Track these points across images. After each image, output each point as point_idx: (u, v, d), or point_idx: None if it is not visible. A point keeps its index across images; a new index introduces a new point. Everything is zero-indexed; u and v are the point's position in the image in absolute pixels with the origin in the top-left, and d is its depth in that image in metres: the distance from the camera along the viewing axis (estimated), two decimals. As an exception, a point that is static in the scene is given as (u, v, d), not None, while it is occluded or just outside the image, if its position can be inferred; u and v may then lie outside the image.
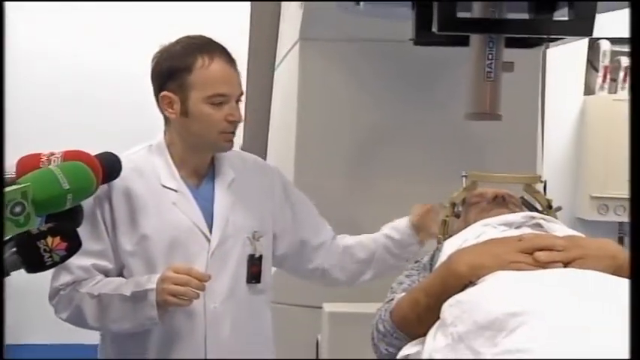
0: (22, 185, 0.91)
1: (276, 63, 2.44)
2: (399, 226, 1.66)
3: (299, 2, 2.01)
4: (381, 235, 1.67)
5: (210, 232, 1.48)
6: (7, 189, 0.90)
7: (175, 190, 1.47)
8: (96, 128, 3.58)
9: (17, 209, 0.88)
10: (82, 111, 3.79)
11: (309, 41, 2.04)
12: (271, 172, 1.66)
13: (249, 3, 2.60)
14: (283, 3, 2.40)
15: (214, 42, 1.46)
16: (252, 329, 1.54)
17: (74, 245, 0.97)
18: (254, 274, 1.51)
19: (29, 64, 3.83)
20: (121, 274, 1.47)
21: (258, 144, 2.44)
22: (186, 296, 1.37)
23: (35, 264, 0.95)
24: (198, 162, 1.51)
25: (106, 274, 1.46)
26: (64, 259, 0.96)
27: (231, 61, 1.46)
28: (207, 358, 1.47)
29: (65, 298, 1.45)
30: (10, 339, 3.71)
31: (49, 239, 0.93)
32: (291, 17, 2.20)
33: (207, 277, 1.40)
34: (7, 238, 0.93)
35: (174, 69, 1.43)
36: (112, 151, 1.33)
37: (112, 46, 3.83)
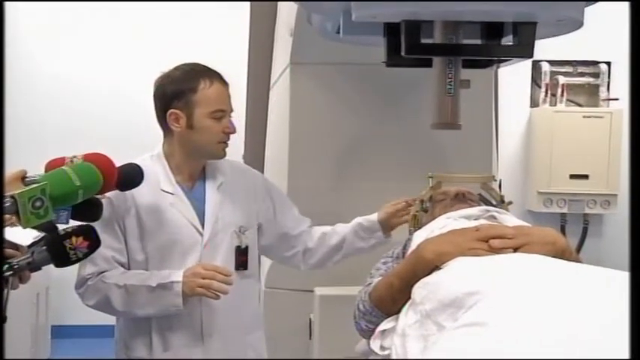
0: (41, 184, 0.91)
1: (271, 84, 2.43)
2: (369, 217, 1.67)
3: (289, 31, 2.00)
4: (353, 222, 1.68)
5: (203, 227, 1.49)
6: (29, 187, 0.90)
7: (172, 194, 1.49)
8: (110, 138, 3.54)
9: (38, 204, 0.89)
10: (98, 124, 3.77)
11: (298, 65, 2.04)
12: (254, 176, 1.67)
13: (247, 32, 2.59)
14: (276, 32, 2.39)
15: (210, 68, 1.51)
16: (241, 307, 1.54)
17: (94, 244, 0.96)
18: (241, 263, 1.52)
19: (55, 86, 3.83)
20: (130, 268, 1.48)
21: (256, 152, 2.43)
22: (212, 288, 1.40)
23: (62, 260, 0.94)
24: (193, 168, 1.53)
25: (123, 267, 1.48)
26: (86, 255, 0.96)
27: (225, 83, 1.51)
28: (203, 330, 1.48)
29: (92, 288, 1.46)
30: (53, 320, 3.66)
31: (74, 239, 0.93)
32: (283, 44, 2.20)
33: (230, 273, 1.43)
34: (38, 238, 0.92)
35: (180, 90, 1.46)
36: (136, 163, 1.34)
37: (122, 72, 3.82)
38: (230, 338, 1.51)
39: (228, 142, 1.50)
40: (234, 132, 1.49)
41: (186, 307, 1.44)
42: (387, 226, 1.65)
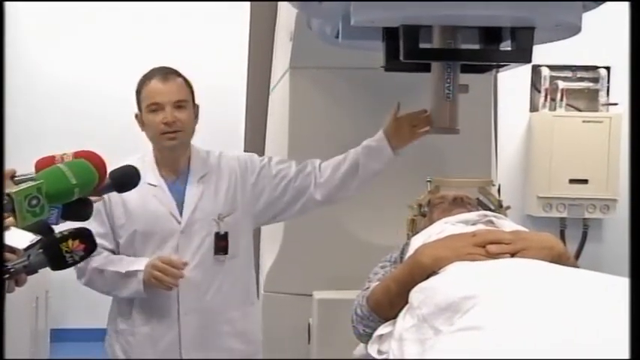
0: (37, 182, 0.92)
1: (271, 88, 2.43)
2: (374, 137, 1.68)
3: (289, 35, 2.01)
4: (359, 147, 1.68)
5: (181, 216, 1.61)
6: (25, 186, 0.91)
7: (155, 186, 1.61)
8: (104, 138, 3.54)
9: (34, 202, 0.90)
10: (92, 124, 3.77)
11: (297, 69, 2.04)
12: (244, 161, 1.70)
13: (247, 36, 2.60)
14: (276, 36, 2.40)
15: (158, 67, 1.64)
16: (222, 286, 1.62)
17: (91, 247, 0.96)
18: (221, 248, 1.61)
19: (55, 87, 3.83)
20: (117, 252, 1.63)
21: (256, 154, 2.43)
22: (164, 282, 1.52)
23: (59, 263, 0.94)
24: (172, 162, 1.64)
25: (111, 252, 1.62)
26: (82, 258, 0.96)
27: (164, 79, 1.60)
28: (180, 312, 1.59)
29: (81, 269, 1.61)
30: (53, 324, 3.64)
31: (70, 242, 0.93)
32: (282, 48, 2.20)
33: (182, 267, 1.54)
34: (34, 241, 0.92)
35: (136, 95, 1.63)
36: (132, 165, 1.35)
37: (123, 73, 3.79)
38: (208, 316, 1.61)
39: (173, 131, 1.58)
40: (170, 121, 1.57)
41: (147, 294, 1.56)
42: (393, 138, 1.63)
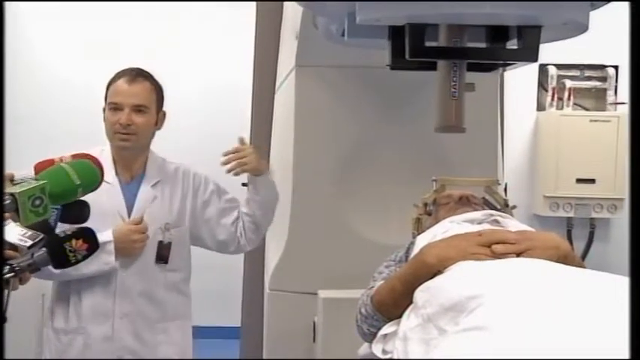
0: (41, 182, 0.93)
1: (276, 86, 2.43)
2: (250, 186, 1.75)
3: (295, 34, 2.00)
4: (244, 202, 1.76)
5: (129, 218, 1.62)
6: (29, 186, 0.91)
7: (109, 183, 1.58)
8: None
9: (37, 202, 0.91)
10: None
11: (303, 68, 2.04)
12: (199, 179, 1.74)
13: (253, 34, 2.60)
14: (282, 35, 2.39)
15: (132, 69, 1.64)
16: (158, 296, 1.64)
17: (94, 246, 0.97)
18: (161, 257, 1.63)
19: (56, 85, 3.85)
20: None
21: (261, 155, 2.43)
22: (142, 242, 1.58)
23: (62, 262, 0.95)
24: (127, 162, 1.65)
25: None
26: (84, 257, 0.96)
27: (131, 80, 1.60)
28: (115, 315, 1.61)
29: None
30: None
31: (74, 241, 0.94)
32: (288, 47, 2.20)
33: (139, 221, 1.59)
34: (37, 239, 0.92)
35: (105, 89, 1.64)
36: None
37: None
38: (143, 322, 1.63)
39: (127, 133, 1.59)
40: (124, 123, 1.58)
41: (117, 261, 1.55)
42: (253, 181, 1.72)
